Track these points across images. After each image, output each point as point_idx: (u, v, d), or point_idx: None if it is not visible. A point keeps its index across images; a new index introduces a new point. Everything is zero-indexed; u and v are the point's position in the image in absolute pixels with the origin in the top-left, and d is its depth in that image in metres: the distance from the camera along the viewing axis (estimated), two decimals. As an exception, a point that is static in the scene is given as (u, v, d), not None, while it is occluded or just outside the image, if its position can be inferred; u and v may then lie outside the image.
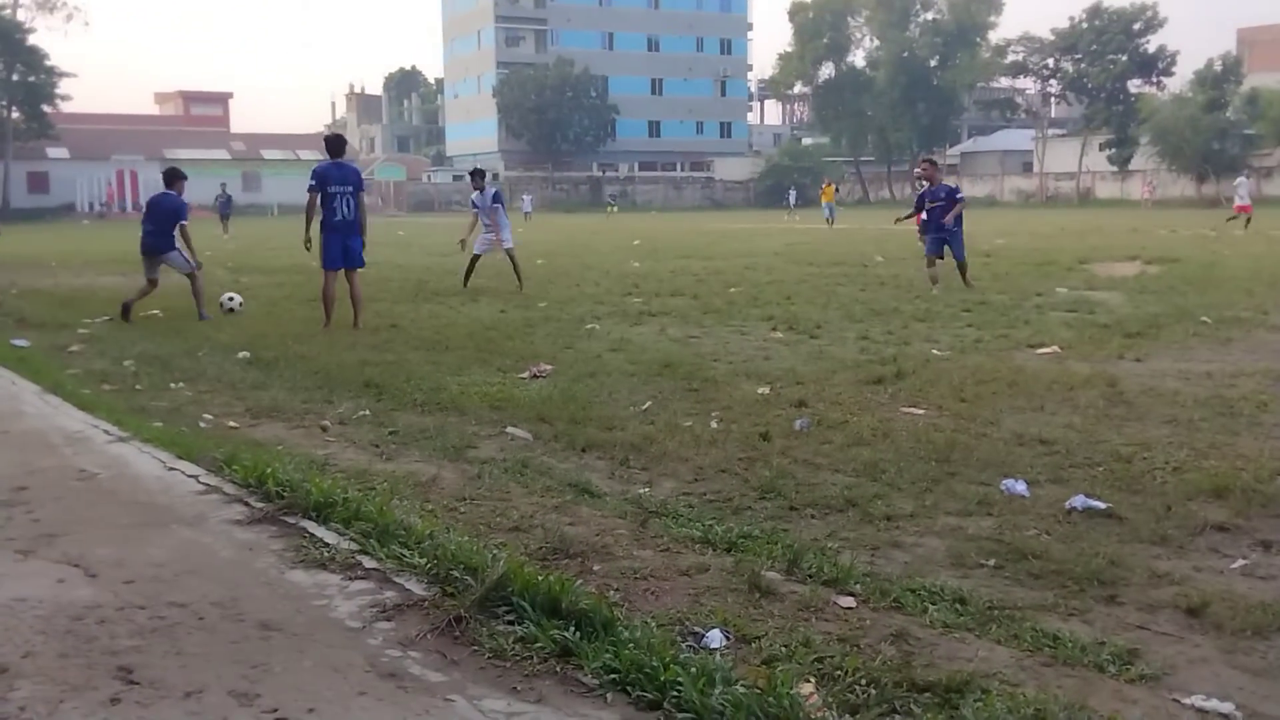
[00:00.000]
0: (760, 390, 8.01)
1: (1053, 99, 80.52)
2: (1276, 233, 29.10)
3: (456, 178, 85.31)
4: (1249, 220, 31.76)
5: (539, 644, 3.50)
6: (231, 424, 7.23)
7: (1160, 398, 7.57)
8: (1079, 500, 5.09)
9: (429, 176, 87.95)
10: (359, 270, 12.03)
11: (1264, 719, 3.16)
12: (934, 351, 9.79)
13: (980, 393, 7.77)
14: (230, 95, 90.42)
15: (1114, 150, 69.37)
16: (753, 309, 13.37)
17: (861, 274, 18.30)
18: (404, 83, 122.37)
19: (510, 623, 3.67)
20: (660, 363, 9.23)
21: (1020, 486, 5.38)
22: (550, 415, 7.15)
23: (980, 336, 10.76)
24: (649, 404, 7.57)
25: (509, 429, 6.86)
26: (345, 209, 11.74)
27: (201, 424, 7.20)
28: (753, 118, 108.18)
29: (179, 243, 13.27)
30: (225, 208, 39.74)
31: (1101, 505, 5.05)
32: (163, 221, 13.19)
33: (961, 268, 15.67)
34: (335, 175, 11.77)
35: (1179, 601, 3.95)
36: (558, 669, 3.40)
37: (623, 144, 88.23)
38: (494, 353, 10.01)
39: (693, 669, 3.21)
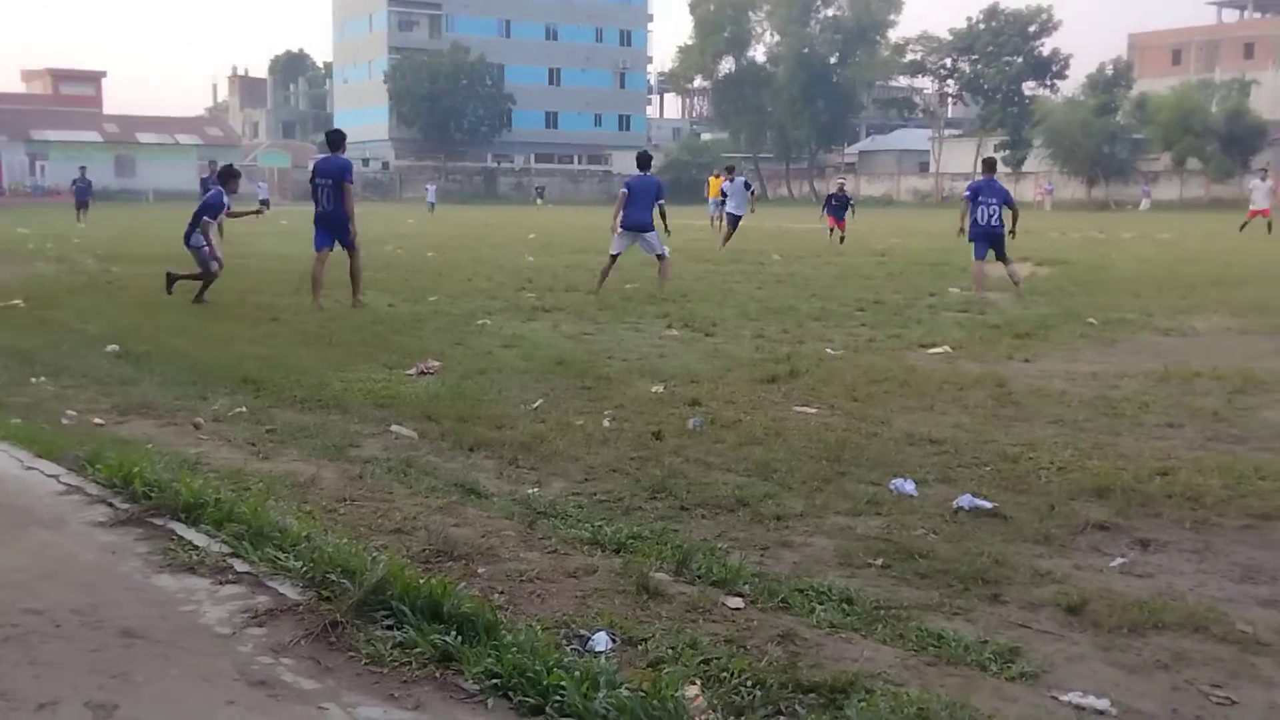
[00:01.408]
0: (654, 388, 7.97)
1: (950, 99, 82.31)
2: (1164, 236, 30.11)
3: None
4: (1247, 224, 30.16)
5: (418, 649, 3.40)
6: (97, 421, 6.91)
7: (1047, 398, 7.72)
8: (966, 499, 5.15)
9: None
10: (354, 251, 13.13)
11: (1138, 715, 3.21)
12: (828, 350, 9.87)
13: (873, 392, 7.85)
14: (104, 74, 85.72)
15: (1009, 152, 70.97)
16: (649, 306, 13.33)
17: (759, 272, 18.43)
18: (290, 66, 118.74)
19: (389, 627, 3.56)
20: (553, 360, 9.13)
21: (909, 486, 5.42)
22: (438, 413, 6.99)
23: (874, 336, 10.88)
24: (540, 402, 7.47)
25: (394, 427, 6.69)
26: (325, 200, 12.93)
27: (64, 420, 6.87)
28: (652, 111, 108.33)
29: (200, 236, 13.71)
30: (83, 194, 36.99)
31: (988, 504, 5.11)
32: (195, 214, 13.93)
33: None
34: (321, 169, 13.03)
35: (1060, 600, 4.00)
36: (437, 675, 3.31)
37: (519, 135, 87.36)
38: (380, 348, 9.76)
39: (577, 673, 3.17)
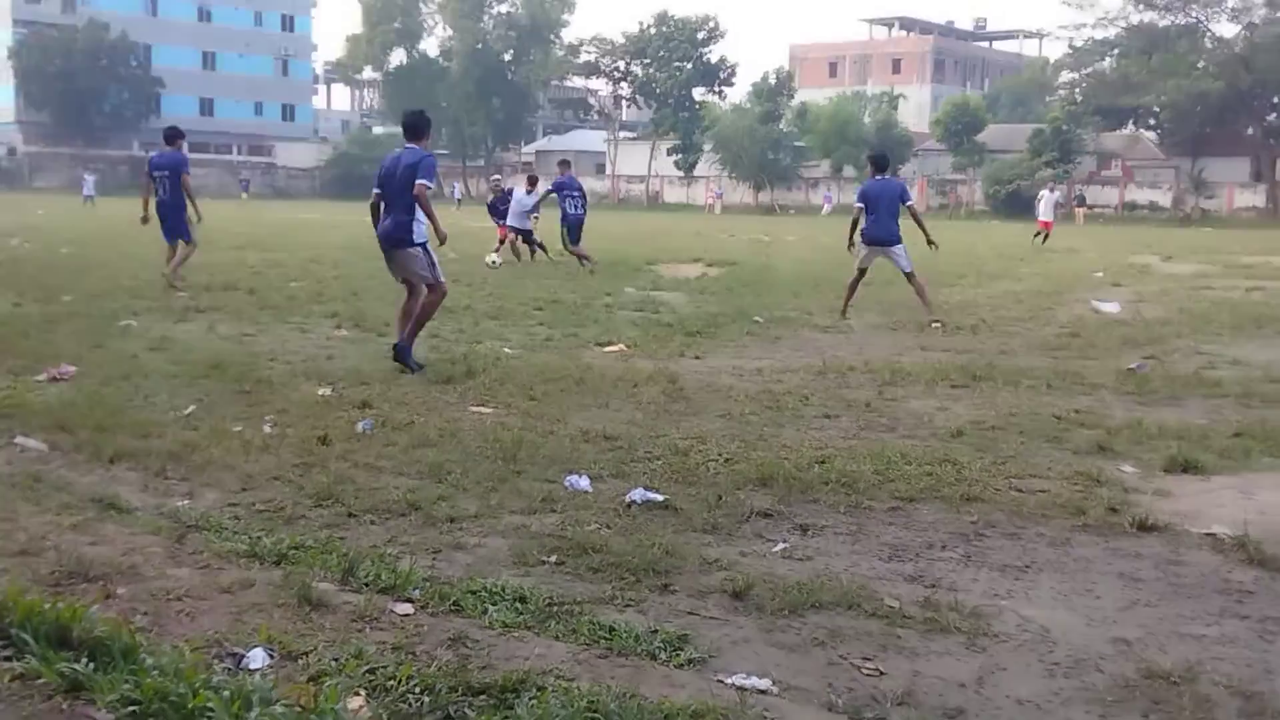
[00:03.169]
0: (321, 391, 7.63)
1: (624, 102, 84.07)
2: (823, 240, 32.12)
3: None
4: (1046, 236, 29.62)
5: (42, 680, 3.05)
6: None
7: (716, 393, 8.01)
8: (638, 493, 5.23)
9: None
10: (181, 241, 14.08)
11: (797, 691, 3.34)
12: (505, 350, 9.83)
13: (549, 390, 7.86)
14: None
15: (680, 155, 73.53)
16: (315, 305, 12.81)
17: (432, 271, 18.12)
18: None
19: (8, 659, 3.17)
20: (208, 363, 8.53)
21: (584, 482, 5.45)
22: (72, 423, 6.33)
23: (551, 335, 10.94)
24: (193, 408, 6.95)
25: (19, 439, 6.00)
26: (163, 191, 13.90)
27: None
28: (319, 102, 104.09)
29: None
30: None
31: (659, 497, 5.21)
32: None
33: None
34: (156, 162, 14.13)
35: (726, 586, 4.12)
36: (65, 706, 2.97)
37: (169, 121, 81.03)
38: (3, 352, 8.78)
39: (226, 693, 2.93)
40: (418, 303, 8.94)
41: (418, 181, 8.68)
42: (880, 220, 12.73)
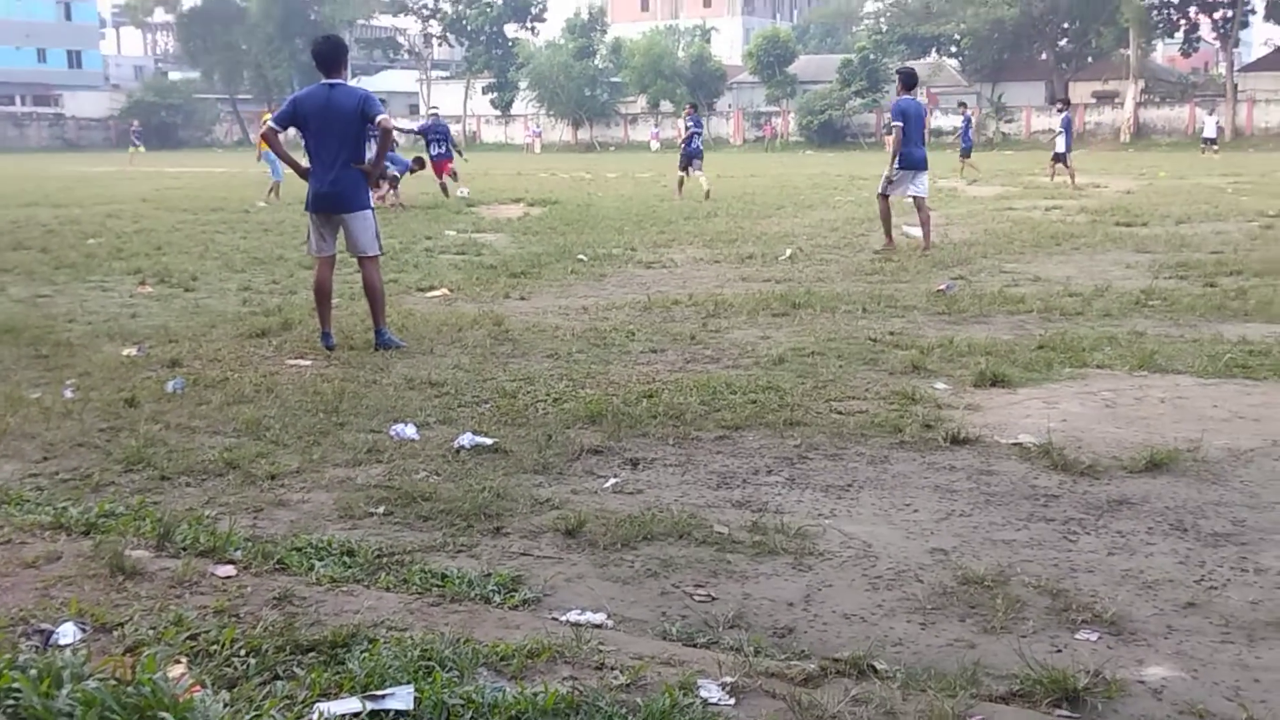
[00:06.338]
0: (126, 352, 7.27)
1: (434, 40, 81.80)
2: (643, 175, 32.22)
3: None
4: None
5: None
6: None
7: (543, 333, 7.97)
8: (467, 438, 5.18)
9: None
10: None
11: (631, 622, 3.38)
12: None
13: (371, 339, 7.67)
14: None
15: (496, 94, 72.35)
16: (116, 262, 12.15)
17: (243, 220, 17.46)
18: None
19: None
20: (-1, 327, 8.04)
21: (410, 430, 5.37)
22: None
23: (368, 281, 10.65)
24: (-16, 375, 6.53)
25: None
26: None
27: None
28: (109, 47, 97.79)
29: None
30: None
31: (488, 441, 5.17)
32: None
33: None
34: None
35: (558, 525, 4.12)
36: None
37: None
38: None
39: (34, 671, 2.76)
40: (330, 274, 7.65)
41: (380, 117, 7.37)
42: (917, 142, 12.44)
